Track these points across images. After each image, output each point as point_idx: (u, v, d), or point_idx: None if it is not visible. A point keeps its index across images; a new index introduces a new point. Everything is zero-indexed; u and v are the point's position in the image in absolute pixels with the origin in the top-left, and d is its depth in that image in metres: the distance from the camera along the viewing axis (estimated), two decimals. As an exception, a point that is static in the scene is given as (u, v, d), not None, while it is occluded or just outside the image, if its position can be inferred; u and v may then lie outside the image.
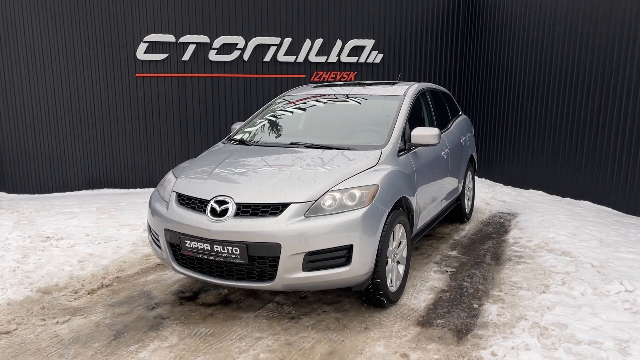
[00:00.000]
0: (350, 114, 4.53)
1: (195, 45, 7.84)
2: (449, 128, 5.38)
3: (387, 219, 3.47)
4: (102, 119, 7.79)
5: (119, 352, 3.07)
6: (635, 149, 6.16)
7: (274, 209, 3.21)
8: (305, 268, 3.16)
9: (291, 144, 4.12)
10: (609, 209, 6.53)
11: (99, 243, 5.16)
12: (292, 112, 4.70)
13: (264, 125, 4.60)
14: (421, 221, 4.33)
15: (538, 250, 4.97)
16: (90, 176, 7.90)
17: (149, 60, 7.74)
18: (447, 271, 4.48)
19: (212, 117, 7.98)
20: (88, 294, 3.98)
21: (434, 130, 4.11)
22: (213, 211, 3.29)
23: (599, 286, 4.00)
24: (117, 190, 7.93)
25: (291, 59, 8.22)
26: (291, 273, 3.15)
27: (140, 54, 7.67)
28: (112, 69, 7.69)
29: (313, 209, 3.21)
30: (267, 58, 8.13)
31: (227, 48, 7.98)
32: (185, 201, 3.50)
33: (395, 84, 5.02)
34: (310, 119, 4.59)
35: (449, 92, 6.02)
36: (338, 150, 3.87)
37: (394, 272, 3.71)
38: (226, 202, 3.28)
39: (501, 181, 8.32)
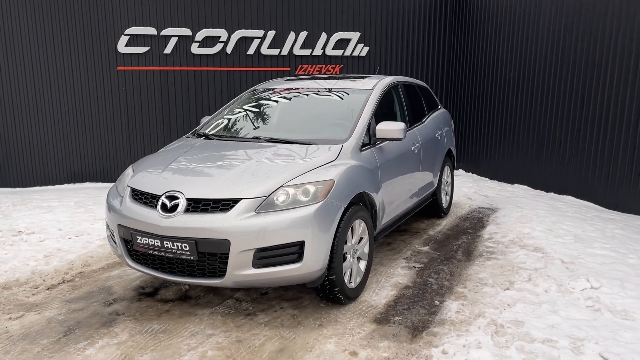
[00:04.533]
0: (317, 108, 4.47)
1: (177, 38, 7.78)
2: (422, 122, 5.31)
3: (344, 214, 3.42)
4: (84, 113, 7.76)
5: (66, 350, 3.05)
6: (616, 145, 6.07)
7: (224, 205, 3.17)
8: (256, 265, 3.12)
9: (253, 138, 4.07)
10: (591, 204, 6.45)
11: (69, 238, 5.14)
12: (258, 106, 4.64)
13: (229, 119, 4.55)
14: (387, 217, 4.28)
15: (511, 246, 4.91)
16: (72, 170, 7.89)
17: (130, 54, 7.69)
18: (414, 267, 4.43)
19: (194, 111, 7.94)
20: (47, 289, 3.96)
21: (399, 125, 4.04)
22: (164, 207, 3.25)
23: (565, 283, 3.94)
24: (99, 184, 7.91)
25: (275, 52, 8.15)
26: (241, 270, 3.11)
27: (121, 47, 7.62)
28: (93, 62, 7.64)
29: (265, 205, 3.17)
30: (251, 51, 8.06)
31: (209, 41, 7.92)
32: (139, 196, 3.46)
33: (367, 77, 4.95)
34: (276, 114, 4.53)
35: (426, 86, 5.95)
36: (299, 145, 3.82)
37: (354, 268, 3.66)
38: (177, 198, 3.24)
39: (487, 175, 8.25)
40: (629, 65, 5.86)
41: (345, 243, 3.50)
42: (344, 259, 3.52)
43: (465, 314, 3.51)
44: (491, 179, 8.14)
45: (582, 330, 3.22)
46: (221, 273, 3.15)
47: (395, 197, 4.40)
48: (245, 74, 8.08)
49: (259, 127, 4.39)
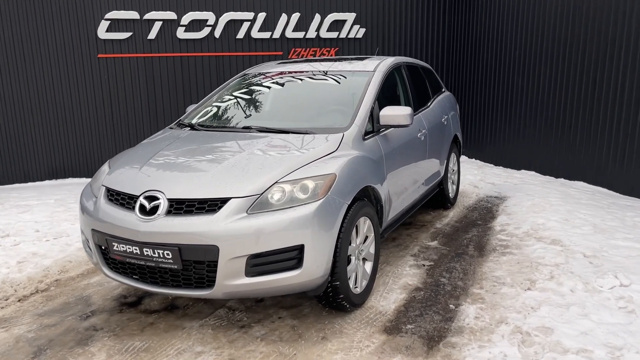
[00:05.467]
0: (314, 93, 4.05)
1: (161, 23, 7.30)
2: (428, 106, 4.90)
3: (347, 212, 3.03)
4: (64, 104, 7.28)
5: (34, 375, 2.66)
6: (632, 126, 5.69)
7: (211, 206, 2.76)
8: (249, 273, 2.73)
9: (244, 128, 3.66)
10: (605, 190, 6.09)
11: (47, 240, 4.72)
12: (249, 93, 4.22)
13: (217, 107, 4.13)
14: (393, 211, 3.89)
15: (526, 238, 4.54)
16: (54, 165, 7.43)
17: (112, 40, 7.21)
18: (424, 265, 4.06)
19: (182, 99, 7.48)
20: (19, 301, 3.56)
21: (405, 110, 3.64)
22: (142, 209, 2.84)
23: (591, 280, 3.58)
24: (83, 180, 7.47)
25: (266, 35, 7.69)
26: (233, 279, 2.72)
27: (102, 32, 7.14)
28: (72, 49, 7.16)
29: (258, 204, 2.77)
30: (241, 35, 7.60)
31: (196, 25, 7.44)
32: (115, 197, 3.05)
33: (366, 58, 4.53)
34: (269, 100, 4.11)
35: (430, 67, 5.53)
36: (295, 135, 3.41)
37: (359, 271, 3.28)
38: (157, 198, 2.84)
39: (492, 161, 7.87)
40: (646, 41, 5.46)
41: (350, 244, 3.11)
42: (349, 261, 3.14)
43: (485, 319, 3.14)
44: (496, 165, 7.76)
45: (618, 337, 2.86)
46: (210, 283, 2.76)
47: (401, 189, 4.01)
48: (235, 59, 7.63)
49: (250, 115, 3.97)
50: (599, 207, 5.31)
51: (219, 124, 3.90)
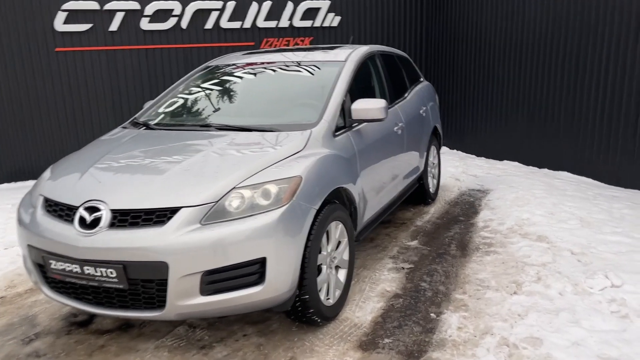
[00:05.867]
0: (280, 86, 3.74)
1: (124, 13, 6.87)
2: (405, 98, 4.62)
3: (315, 218, 2.73)
4: (21, 102, 6.83)
5: (-41, 416, 2.33)
6: (616, 113, 5.48)
7: (160, 216, 2.44)
8: (205, 291, 2.42)
9: (202, 126, 3.33)
10: (590, 180, 5.89)
11: (-3, 251, 4.35)
12: (211, 87, 3.88)
13: (175, 103, 3.79)
14: (369, 212, 3.61)
15: (510, 235, 4.31)
16: (13, 167, 6.99)
17: (71, 32, 6.76)
18: (403, 268, 3.79)
19: (148, 94, 7.07)
20: (-45, 324, 3.21)
21: (379, 103, 3.35)
22: (82, 221, 2.51)
23: (581, 281, 3.35)
24: (45, 182, 7.04)
25: (237, 25, 7.32)
26: (186, 299, 2.41)
27: (59, 25, 6.68)
28: (28, 43, 6.69)
29: (213, 214, 2.46)
30: (209, 25, 7.21)
31: (161, 15, 7.03)
32: (53, 208, 2.71)
33: (337, 48, 4.23)
34: (232, 95, 3.78)
35: (406, 56, 5.24)
36: (257, 133, 3.10)
37: (332, 281, 3.00)
38: (99, 209, 2.51)
39: (474, 152, 7.63)
40: (629, 26, 5.24)
41: (320, 252, 2.82)
42: (319, 271, 2.86)
43: (469, 330, 2.89)
44: (478, 155, 7.53)
45: (613, 347, 2.62)
46: (160, 304, 2.45)
47: (377, 188, 3.73)
48: (204, 50, 7.25)
49: (210, 112, 3.64)
50: (585, 199, 5.10)
51: (175, 122, 3.56)
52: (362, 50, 4.03)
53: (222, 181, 2.55)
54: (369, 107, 3.35)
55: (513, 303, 3.13)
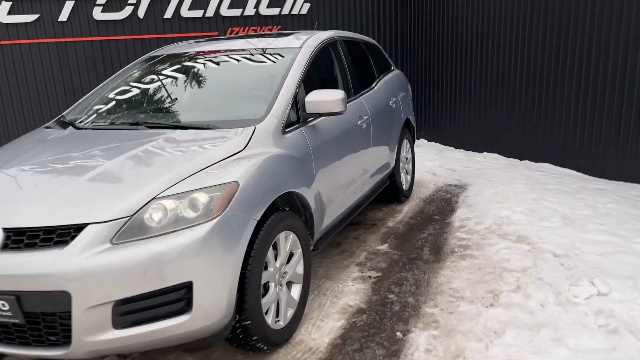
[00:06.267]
0: (227, 77, 3.33)
1: (73, 2, 6.37)
2: (372, 88, 4.23)
3: (258, 229, 2.34)
4: (-34, 100, 6.33)
5: None
6: (599, 101, 5.16)
7: (62, 235, 2.03)
8: (119, 324, 2.02)
9: (132, 124, 2.90)
10: (574, 172, 5.58)
11: None
12: (150, 79, 3.46)
13: (108, 98, 3.35)
14: (330, 216, 3.22)
15: (488, 235, 3.96)
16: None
17: (16, 23, 6.25)
18: (370, 277, 3.42)
19: (103, 89, 6.60)
20: None
21: (336, 94, 2.96)
22: (-31, 243, 2.08)
23: (564, 289, 3.01)
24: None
25: (198, 13, 6.86)
26: (96, 333, 2.00)
27: (3, 15, 6.17)
28: (-31, 36, 6.19)
29: (127, 230, 2.05)
30: (169, 14, 6.75)
31: (115, 3, 6.55)
32: (-60, 227, 2.28)
33: (294, 33, 3.82)
34: (172, 88, 3.35)
35: (375, 43, 4.85)
36: (193, 131, 2.69)
37: (283, 300, 2.61)
38: (-11, 229, 2.08)
39: (452, 144, 7.29)
40: (611, 9, 4.90)
41: (265, 269, 2.44)
42: (265, 290, 2.47)
43: (439, 353, 2.53)
44: (457, 148, 7.19)
45: (602, 371, 2.28)
46: (66, 340, 2.04)
47: (339, 189, 3.34)
48: (163, 41, 6.76)
49: (145, 108, 3.21)
50: (568, 193, 4.78)
51: (104, 120, 3.13)
52: (320, 36, 3.63)
53: (140, 190, 2.14)
54: (324, 99, 2.95)
55: (489, 318, 2.78)
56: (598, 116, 5.20)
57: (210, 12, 6.88)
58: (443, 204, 4.88)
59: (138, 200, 2.11)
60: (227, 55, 3.42)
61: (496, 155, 6.55)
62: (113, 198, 2.11)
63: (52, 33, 6.37)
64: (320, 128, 3.13)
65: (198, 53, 3.54)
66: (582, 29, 5.21)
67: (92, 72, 6.62)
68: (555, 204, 4.48)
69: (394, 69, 5.04)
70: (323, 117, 3.16)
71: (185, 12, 6.77)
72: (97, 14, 6.48)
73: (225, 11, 6.92)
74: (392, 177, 4.62)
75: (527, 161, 6.13)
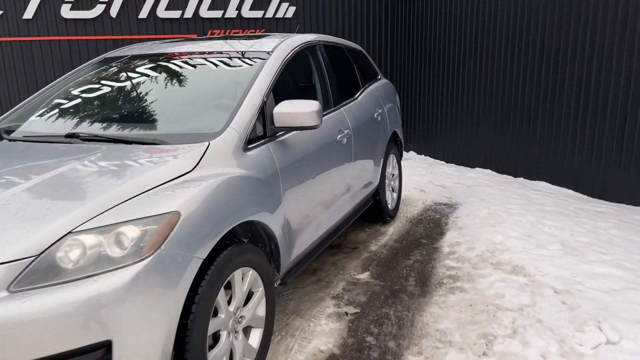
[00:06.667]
0: (186, 84, 2.91)
1: (40, -2, 5.95)
2: (355, 99, 3.84)
3: (205, 269, 1.93)
4: None
5: None
6: (601, 116, 4.81)
7: (-55, 281, 1.60)
8: (14, 395, 1.58)
9: (67, 136, 2.47)
10: (571, 192, 5.22)
11: None
12: (99, 84, 3.03)
13: (48, 104, 2.92)
14: (301, 245, 2.81)
15: (480, 264, 3.57)
16: None
17: (-24, 20, 5.82)
18: (347, 314, 3.01)
19: (71, 93, 6.16)
20: None
21: (310, 106, 2.56)
22: None
23: (567, 336, 2.61)
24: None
25: (176, 14, 6.45)
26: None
27: (-38, 11, 5.73)
28: None
29: (32, 273, 1.63)
30: (144, 14, 6.33)
31: (86, 1, 6.13)
32: None
33: (266, 36, 3.42)
34: (120, 94, 2.93)
35: (360, 49, 4.47)
36: (134, 147, 2.27)
37: (237, 351, 2.20)
38: None
39: (443, 158, 6.91)
40: (615, 16, 4.56)
41: (215, 315, 2.02)
42: (215, 341, 2.05)
43: (422, 418, 2.11)
44: (448, 162, 6.81)
45: None
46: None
47: (313, 213, 2.93)
48: (137, 43, 6.34)
49: (86, 117, 2.77)
50: (567, 216, 4.41)
51: (38, 128, 2.70)
52: (296, 39, 3.23)
53: (53, 222, 1.72)
54: (296, 111, 2.56)
55: (482, 371, 2.37)
56: (599, 132, 4.85)
57: (188, 13, 6.47)
58: (431, 226, 4.49)
59: (48, 235, 1.68)
60: (189, 60, 3.01)
61: (489, 171, 6.18)
62: (15, 232, 1.68)
63: (16, 31, 5.92)
64: (292, 144, 2.72)
65: (156, 56, 3.12)
66: (583, 40, 4.86)
67: (59, 75, 6.16)
68: (554, 228, 4.11)
69: (381, 78, 4.66)
70: (295, 132, 2.75)
71: (161, 13, 6.36)
72: (66, 11, 6.05)
73: (205, 12, 6.52)
74: (377, 196, 4.23)
75: (522, 178, 5.77)
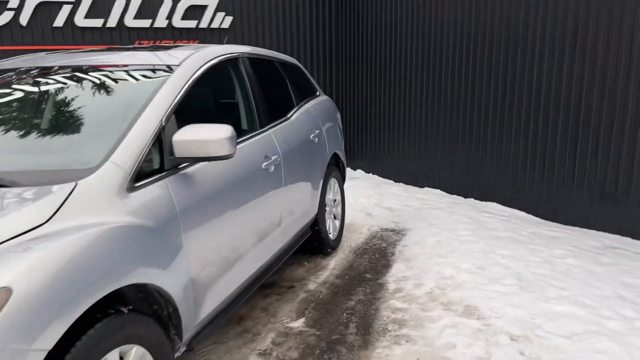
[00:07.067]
0: (59, 106, 2.36)
1: None
2: (287, 119, 3.38)
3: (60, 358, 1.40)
4: None
5: None
6: (551, 136, 4.57)
7: None
8: None
9: None
10: (523, 214, 4.95)
11: None
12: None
13: None
14: (213, 302, 2.31)
15: (430, 305, 3.18)
16: None
17: None
18: (273, 377, 2.52)
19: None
20: None
21: (219, 131, 2.10)
22: None
23: (529, 400, 2.22)
24: None
25: (97, 22, 5.84)
26: None
27: None
28: None
29: None
30: (59, 22, 5.69)
31: (-9, 7, 5.43)
32: None
33: (176, 47, 2.92)
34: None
35: (296, 63, 4.04)
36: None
37: None
38: None
39: (391, 177, 6.56)
40: (564, 32, 4.34)
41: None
42: None
43: None
44: (396, 181, 6.46)
45: None
46: None
47: (228, 259, 2.44)
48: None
49: None
50: (520, 242, 4.10)
51: None
52: (212, 51, 2.75)
53: None
54: (201, 137, 2.08)
55: None
56: (549, 153, 4.60)
57: (112, 22, 5.87)
58: (377, 257, 4.07)
59: None
60: (73, 75, 2.47)
61: (438, 191, 5.86)
62: None
63: None
64: (199, 177, 2.23)
65: (32, 70, 2.56)
66: (532, 55, 4.62)
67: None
68: (507, 258, 3.78)
69: (319, 95, 4.24)
70: (204, 163, 2.26)
71: (80, 21, 5.74)
72: (-34, 18, 5.33)
73: (130, 21, 5.94)
74: (316, 226, 3.77)
75: (472, 199, 5.47)
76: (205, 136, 2.09)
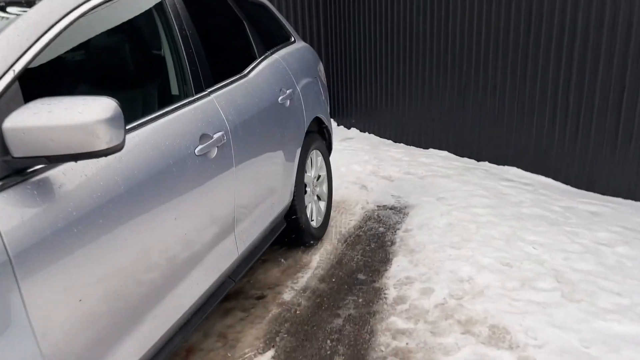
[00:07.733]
0: None
1: None
2: (243, 76, 2.44)
3: None
4: None
5: None
6: (589, 85, 3.62)
7: None
8: None
9: None
10: (550, 181, 4.09)
11: None
12: None
13: None
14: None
15: (442, 324, 2.37)
16: None
17: None
18: None
19: None
20: None
21: (93, 109, 1.21)
22: None
23: None
24: None
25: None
26: None
27: None
28: None
29: None
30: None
31: None
32: None
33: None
34: None
35: (261, 1, 3.03)
36: None
37: None
38: None
39: (390, 136, 5.64)
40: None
41: None
42: None
43: None
44: (396, 141, 5.55)
45: None
46: None
47: (126, 310, 1.58)
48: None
49: None
50: (553, 223, 3.27)
51: None
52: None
53: None
54: (56, 123, 1.20)
55: None
56: (586, 103, 3.67)
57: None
58: (373, 247, 3.23)
59: None
60: None
61: (445, 153, 4.97)
62: None
63: None
64: (67, 186, 1.34)
65: None
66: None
67: None
68: (540, 247, 2.95)
69: (294, 41, 3.26)
70: (71, 163, 1.38)
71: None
72: None
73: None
74: (292, 215, 2.91)
75: (487, 163, 4.59)
76: (63, 119, 1.20)
